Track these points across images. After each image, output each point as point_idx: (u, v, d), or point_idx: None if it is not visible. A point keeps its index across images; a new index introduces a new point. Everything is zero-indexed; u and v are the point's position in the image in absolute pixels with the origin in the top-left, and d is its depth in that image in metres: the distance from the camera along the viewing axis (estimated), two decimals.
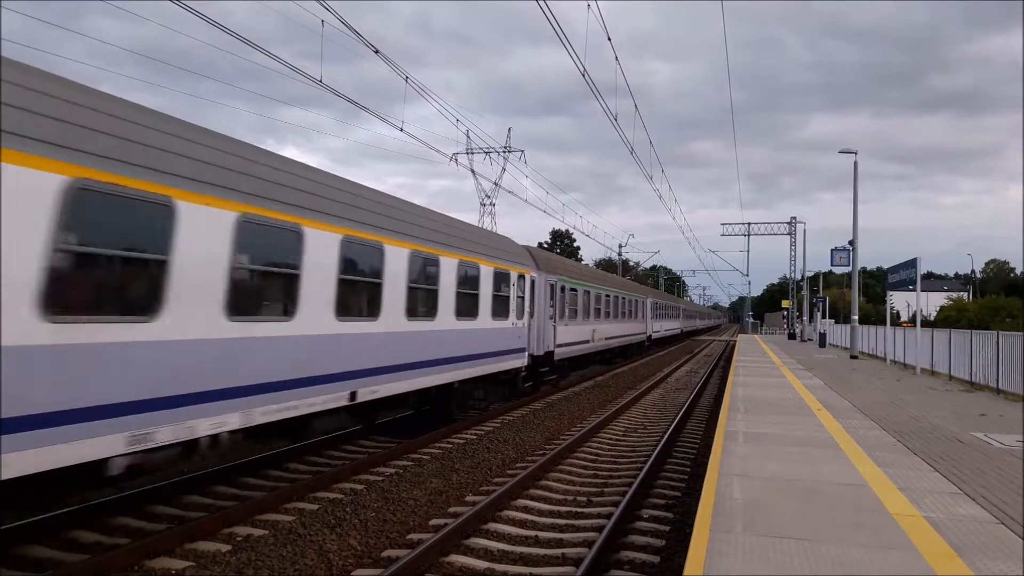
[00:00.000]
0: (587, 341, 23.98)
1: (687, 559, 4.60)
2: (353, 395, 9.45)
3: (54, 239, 5.38)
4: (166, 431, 6.43)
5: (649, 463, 10.58)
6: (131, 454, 6.18)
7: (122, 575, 6.25)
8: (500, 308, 15.19)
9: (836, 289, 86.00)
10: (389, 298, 10.37)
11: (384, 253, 10.28)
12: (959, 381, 18.42)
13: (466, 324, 13.33)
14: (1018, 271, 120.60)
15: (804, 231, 56.94)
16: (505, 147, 45.50)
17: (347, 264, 9.32)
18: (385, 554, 7.00)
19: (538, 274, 18.37)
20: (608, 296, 27.68)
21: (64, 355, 5.49)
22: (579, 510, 8.71)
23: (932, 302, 72.93)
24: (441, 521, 8.01)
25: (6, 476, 5.07)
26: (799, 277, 59.28)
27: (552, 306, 19.50)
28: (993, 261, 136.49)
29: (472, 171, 44.29)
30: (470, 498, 9.13)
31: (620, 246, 79.15)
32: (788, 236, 58.66)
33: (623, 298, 31.39)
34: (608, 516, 8.14)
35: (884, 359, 27.51)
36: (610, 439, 13.54)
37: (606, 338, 27.12)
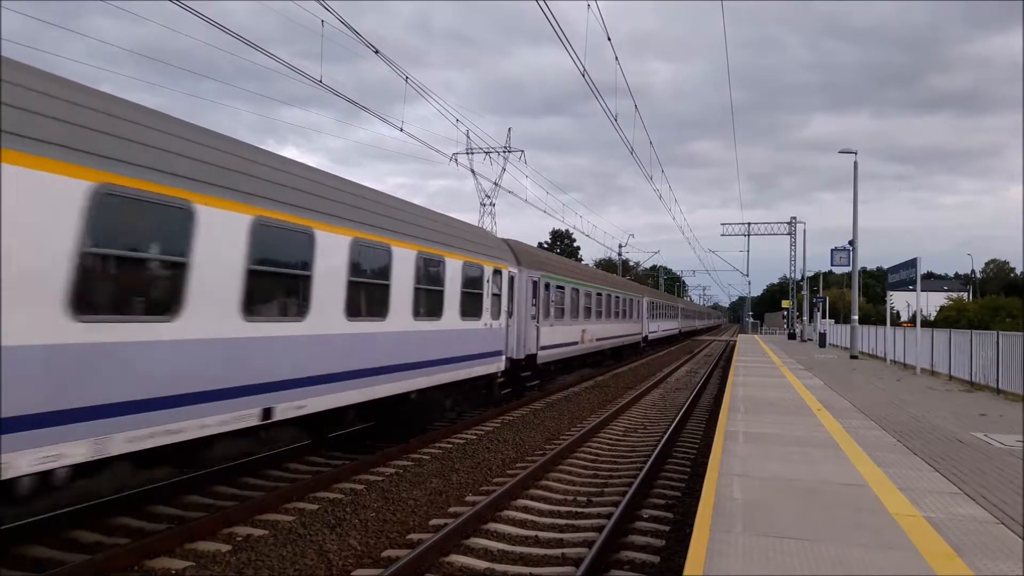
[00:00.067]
0: (575, 343, 22.77)
1: (687, 559, 4.60)
2: (267, 412, 7.78)
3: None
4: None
5: (649, 463, 10.58)
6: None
7: (122, 575, 6.25)
8: (471, 307, 13.63)
9: (836, 289, 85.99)
10: (322, 295, 8.69)
11: (315, 241, 8.55)
12: (959, 381, 18.42)
13: (427, 325, 11.72)
14: (1018, 271, 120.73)
15: (804, 231, 57.02)
16: (505, 147, 45.51)
17: (260, 253, 7.61)
18: (385, 554, 7.00)
19: (518, 269, 17.04)
20: (600, 295, 26.53)
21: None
22: (579, 510, 8.71)
23: (932, 302, 72.91)
24: (441, 521, 8.01)
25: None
26: (799, 277, 59.34)
27: (535, 305, 18.28)
28: (993, 261, 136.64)
29: (472, 171, 44.32)
30: (470, 498, 9.13)
31: (620, 246, 79.26)
32: (788, 236, 58.70)
33: (616, 297, 30.17)
34: (608, 516, 8.14)
35: (884, 359, 27.51)
36: (610, 439, 13.55)
37: (597, 339, 26.00)
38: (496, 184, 45.80)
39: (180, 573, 6.31)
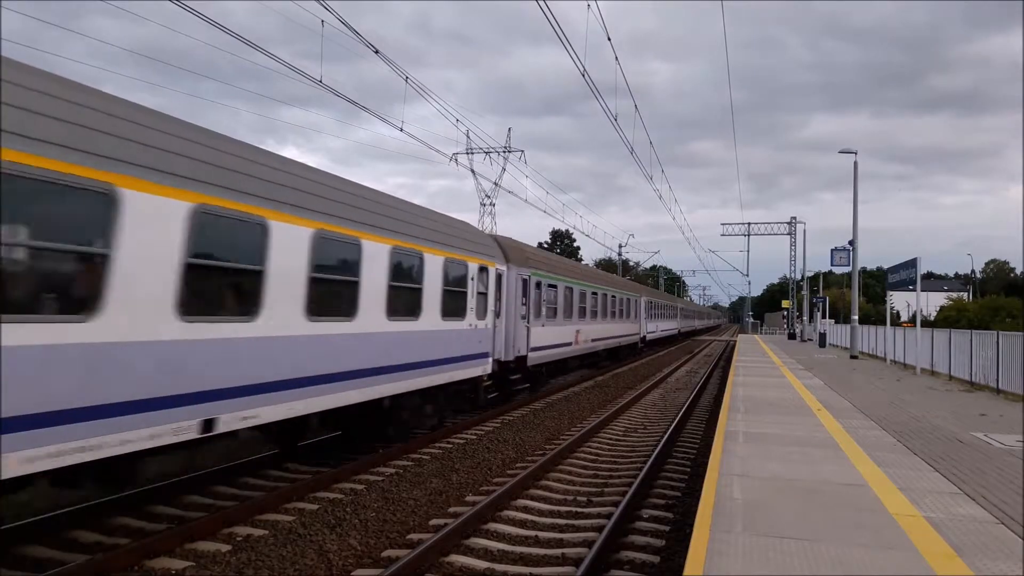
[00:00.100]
0: (569, 343, 21.93)
1: (687, 559, 4.60)
2: (208, 424, 6.97)
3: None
4: None
5: (649, 463, 10.58)
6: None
7: (122, 575, 6.25)
8: (454, 306, 12.80)
9: (836, 289, 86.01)
10: (277, 292, 7.89)
11: (269, 233, 7.74)
12: (959, 381, 18.42)
13: (403, 325, 10.86)
14: (1018, 271, 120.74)
15: (804, 231, 57.06)
16: (505, 147, 45.51)
17: (203, 246, 6.87)
18: (385, 554, 7.00)
19: (507, 267, 16.19)
20: (595, 294, 25.73)
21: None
22: (579, 510, 8.71)
23: (932, 302, 72.93)
24: (441, 521, 8.02)
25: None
26: (799, 277, 59.37)
27: (525, 304, 17.51)
28: (993, 261, 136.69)
29: (472, 171, 44.31)
30: (470, 498, 9.13)
31: (620, 246, 79.27)
32: (788, 236, 58.75)
33: (613, 296, 29.24)
34: (608, 516, 8.14)
35: (884, 359, 27.52)
36: (610, 439, 13.55)
37: (592, 340, 25.17)
38: (496, 184, 45.83)
39: (180, 573, 6.31)
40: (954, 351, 19.37)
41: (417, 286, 11.38)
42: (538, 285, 18.58)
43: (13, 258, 5.21)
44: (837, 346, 40.51)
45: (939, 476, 7.22)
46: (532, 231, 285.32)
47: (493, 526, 7.89)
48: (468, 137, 46.86)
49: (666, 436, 12.95)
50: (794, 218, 58.22)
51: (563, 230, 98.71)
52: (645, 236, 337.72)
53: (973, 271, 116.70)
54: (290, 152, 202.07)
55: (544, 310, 19.14)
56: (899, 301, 68.67)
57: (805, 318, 56.02)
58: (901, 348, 25.43)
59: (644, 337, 38.58)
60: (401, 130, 29.76)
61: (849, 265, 33.58)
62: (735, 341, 52.32)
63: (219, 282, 7.49)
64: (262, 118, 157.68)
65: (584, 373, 25.49)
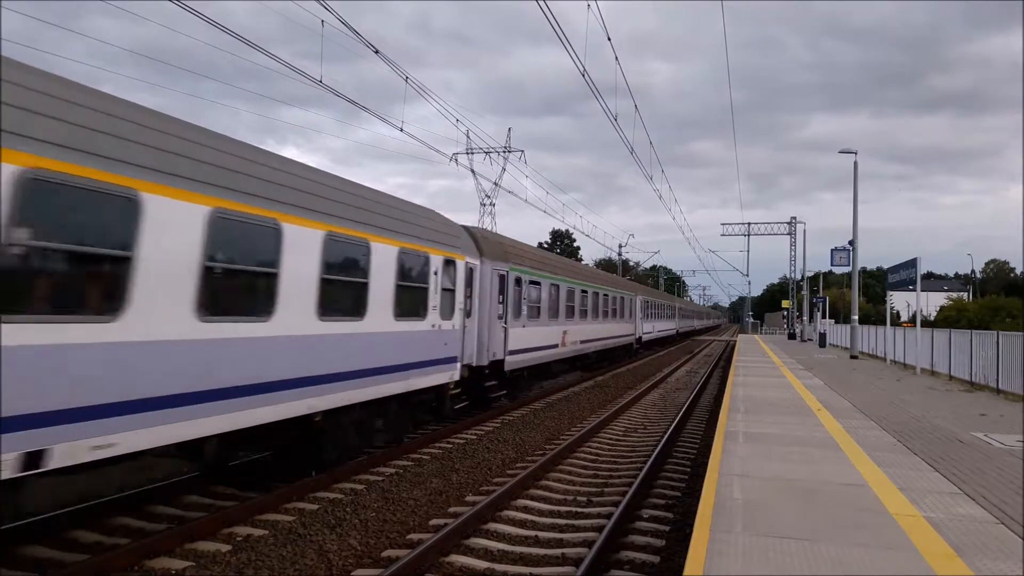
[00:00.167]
0: (554, 346, 20.36)
1: (687, 559, 4.60)
2: (32, 457, 5.20)
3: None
4: None
5: (649, 463, 10.58)
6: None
7: (122, 575, 6.25)
8: (411, 304, 11.15)
9: (836, 289, 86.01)
10: (155, 284, 6.27)
11: (143, 211, 6.13)
12: (959, 381, 18.42)
13: (342, 327, 9.24)
14: (1018, 271, 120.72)
15: (804, 231, 57.06)
16: (505, 147, 45.57)
17: (40, 227, 5.35)
18: (385, 554, 7.01)
19: (480, 261, 14.56)
20: (584, 292, 24.00)
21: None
22: (579, 510, 8.72)
23: (932, 302, 72.93)
24: (441, 521, 8.02)
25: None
26: (799, 277, 59.36)
27: (502, 302, 15.81)
28: (993, 261, 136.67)
29: (472, 171, 44.38)
30: (470, 498, 9.13)
31: (620, 246, 79.33)
32: (788, 236, 58.74)
33: (605, 295, 27.67)
34: (608, 516, 8.14)
35: (884, 359, 27.52)
36: (610, 439, 13.55)
37: (581, 342, 23.53)
38: (496, 184, 45.88)
39: (180, 573, 6.31)
40: (954, 351, 19.38)
41: (361, 280, 9.75)
42: (518, 282, 16.94)
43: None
44: (837, 346, 40.51)
45: (939, 476, 7.22)
46: (532, 231, 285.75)
47: (493, 526, 7.89)
48: (468, 137, 46.99)
49: (666, 436, 12.95)
50: (794, 218, 58.30)
51: (563, 230, 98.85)
52: (645, 236, 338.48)
53: (973, 271, 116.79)
54: (290, 152, 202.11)
55: (525, 309, 17.56)
56: (899, 301, 68.69)
57: (805, 318, 56.03)
58: (901, 348, 25.43)
59: (640, 338, 37.54)
60: (401, 130, 29.80)
61: (849, 265, 33.60)
62: (735, 341, 52.32)
63: (81, 273, 6.05)
64: (262, 118, 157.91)
65: (584, 374, 25.45)
